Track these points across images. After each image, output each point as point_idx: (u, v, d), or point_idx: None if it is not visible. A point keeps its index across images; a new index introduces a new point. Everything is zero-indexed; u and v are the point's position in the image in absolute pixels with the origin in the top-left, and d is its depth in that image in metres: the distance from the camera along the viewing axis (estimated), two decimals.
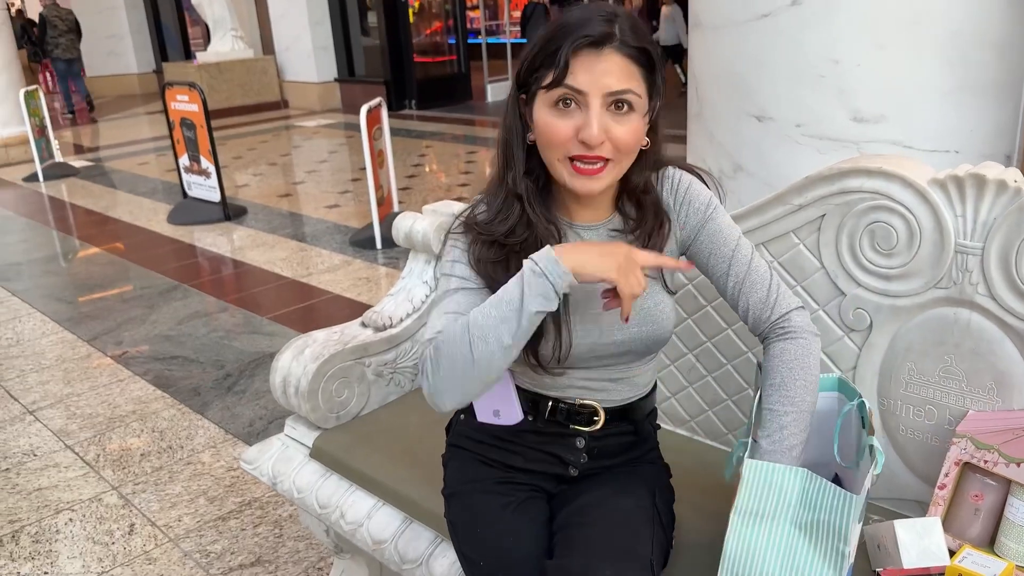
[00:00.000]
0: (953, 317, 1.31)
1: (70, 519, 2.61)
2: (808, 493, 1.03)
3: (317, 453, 1.84)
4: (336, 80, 12.16)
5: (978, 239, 1.26)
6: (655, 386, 1.45)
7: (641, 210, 1.27)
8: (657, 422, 1.48)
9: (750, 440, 1.14)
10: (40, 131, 7.99)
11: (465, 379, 1.12)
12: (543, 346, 1.25)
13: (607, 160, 1.17)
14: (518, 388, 1.35)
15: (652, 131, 1.23)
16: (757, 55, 2.26)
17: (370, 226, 5.27)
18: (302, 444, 1.89)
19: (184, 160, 6.22)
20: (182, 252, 5.53)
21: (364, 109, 5.06)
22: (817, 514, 1.02)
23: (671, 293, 1.32)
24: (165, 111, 6.22)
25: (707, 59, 2.46)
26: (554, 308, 1.11)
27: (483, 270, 1.24)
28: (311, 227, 5.92)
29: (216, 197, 6.08)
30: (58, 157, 8.31)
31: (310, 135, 10.18)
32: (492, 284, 1.23)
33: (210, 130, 5.94)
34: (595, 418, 1.33)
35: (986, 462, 1.24)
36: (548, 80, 1.14)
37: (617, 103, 1.15)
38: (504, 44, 12.42)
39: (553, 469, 1.36)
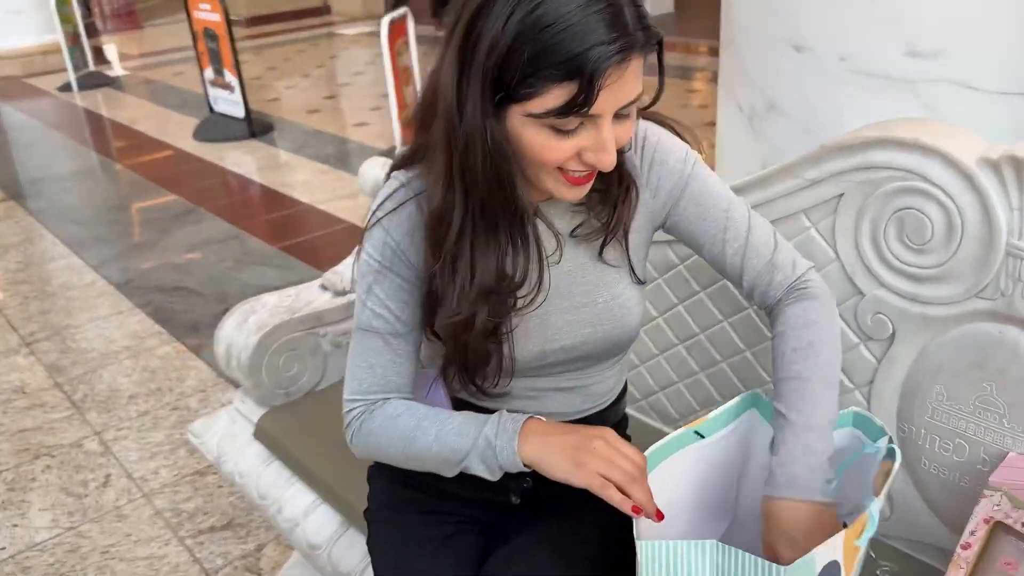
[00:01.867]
0: (998, 336, 1.02)
1: (48, 465, 2.51)
2: (723, 569, 0.81)
3: (260, 434, 1.65)
4: None
5: None
6: (623, 393, 1.21)
7: (607, 175, 0.99)
8: (627, 433, 1.25)
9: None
10: (73, 39, 7.79)
11: (393, 462, 1.09)
12: (489, 367, 1.02)
13: None
14: (453, 399, 1.13)
15: None
16: None
17: (393, 150, 5.00)
18: (248, 420, 1.71)
19: (208, 73, 5.98)
20: (202, 172, 5.35)
21: (386, 21, 4.72)
22: None
23: (640, 283, 1.07)
24: (188, 20, 5.96)
25: None
26: (495, 479, 0.99)
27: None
28: (335, 147, 5.68)
29: (240, 113, 5.86)
30: (92, 66, 8.14)
31: (348, 44, 9.82)
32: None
33: (232, 41, 5.67)
34: None
35: (1023, 524, 0.97)
36: (559, 103, 0.83)
37: (622, 112, 0.90)
38: None
39: (491, 496, 1.13)
